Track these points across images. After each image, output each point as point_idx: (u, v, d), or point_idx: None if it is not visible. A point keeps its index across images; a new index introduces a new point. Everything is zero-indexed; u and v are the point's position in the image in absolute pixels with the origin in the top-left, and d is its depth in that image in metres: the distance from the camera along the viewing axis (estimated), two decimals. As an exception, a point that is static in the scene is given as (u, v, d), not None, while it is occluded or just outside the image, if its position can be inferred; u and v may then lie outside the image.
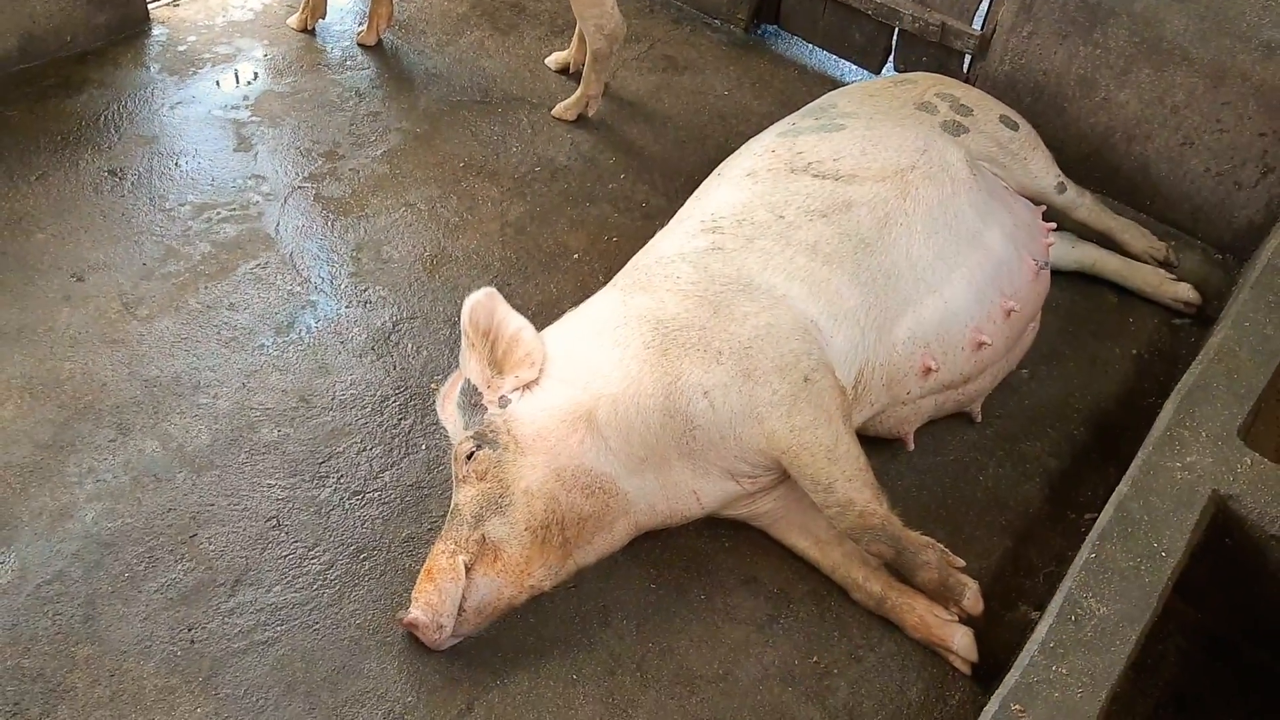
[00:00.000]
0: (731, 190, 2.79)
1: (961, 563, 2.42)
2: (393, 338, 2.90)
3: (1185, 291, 3.33)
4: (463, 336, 2.38)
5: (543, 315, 2.96)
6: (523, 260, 3.17)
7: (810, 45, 4.18)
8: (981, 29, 3.73)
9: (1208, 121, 3.43)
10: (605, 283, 2.83)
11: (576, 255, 3.22)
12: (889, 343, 2.62)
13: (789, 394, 2.37)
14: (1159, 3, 3.32)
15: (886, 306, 2.63)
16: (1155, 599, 2.20)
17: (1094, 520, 2.74)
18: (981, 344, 2.75)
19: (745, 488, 2.47)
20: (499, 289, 3.03)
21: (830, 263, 2.60)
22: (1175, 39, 3.35)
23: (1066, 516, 2.77)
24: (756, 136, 3.07)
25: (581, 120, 3.67)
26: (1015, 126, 3.22)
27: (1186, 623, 2.58)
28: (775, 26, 4.24)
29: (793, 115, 3.15)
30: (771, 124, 3.17)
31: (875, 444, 2.77)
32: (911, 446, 2.80)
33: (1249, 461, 2.50)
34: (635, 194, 3.46)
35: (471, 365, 2.38)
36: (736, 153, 3.02)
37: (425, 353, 2.87)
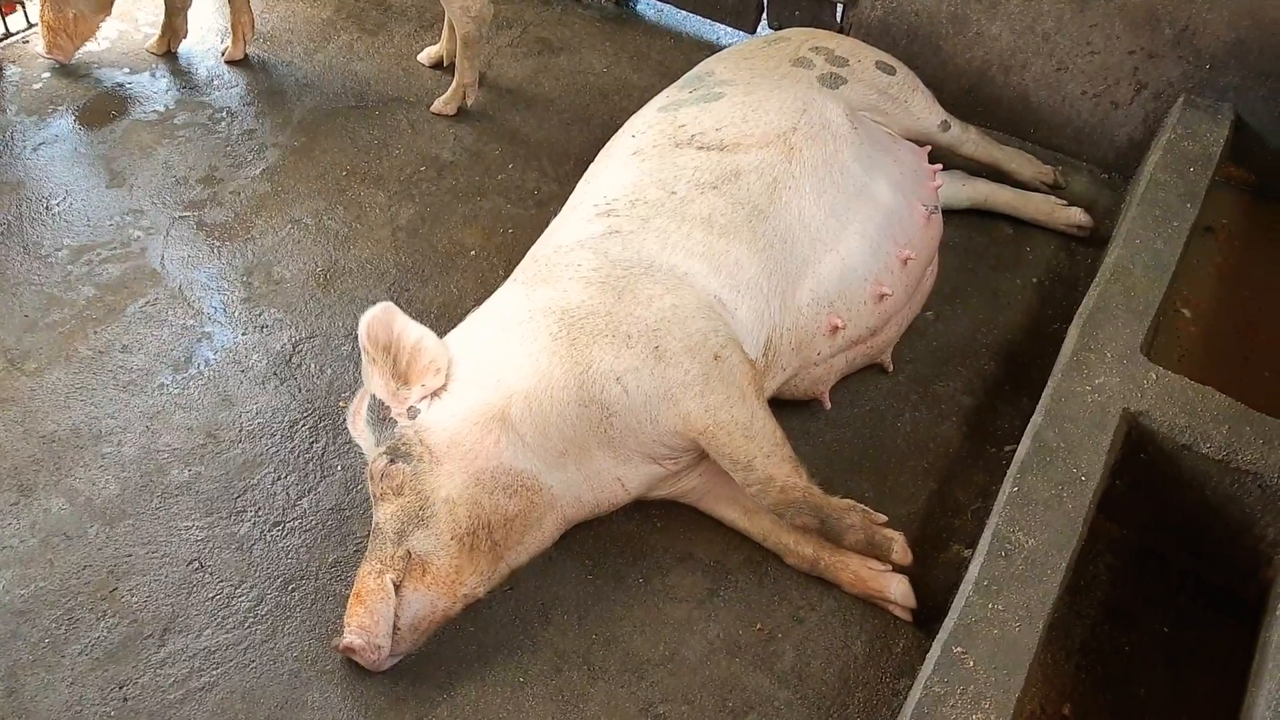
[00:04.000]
0: (621, 171, 2.77)
1: (883, 518, 2.43)
2: (294, 360, 2.83)
3: (1077, 215, 3.39)
4: (363, 354, 2.33)
5: (445, 317, 2.93)
6: (418, 264, 3.12)
7: (682, 12, 4.15)
8: (849, -23, 3.73)
9: (1078, 45, 3.48)
10: (505, 277, 2.80)
11: (473, 252, 3.17)
12: (793, 307, 2.63)
13: (700, 374, 2.36)
14: (1018, -67, 3.36)
15: (786, 271, 2.63)
16: (1080, 524, 2.25)
17: (1013, 452, 2.79)
18: (883, 295, 2.77)
19: (668, 469, 2.47)
20: (397, 296, 3.03)
21: (726, 234, 2.59)
22: (1038, -33, 3.39)
23: (987, 451, 2.81)
24: (638, 113, 3.05)
25: (462, 113, 3.61)
26: (892, 71, 3.23)
27: (1114, 540, 2.64)
28: (645, -3, 4.21)
29: (671, 88, 3.13)
30: (653, 97, 3.16)
31: (792, 406, 2.79)
32: (829, 405, 2.81)
33: (1154, 377, 2.55)
34: (525, 182, 3.41)
35: (375, 381, 2.34)
36: (620, 131, 2.99)
37: (329, 371, 2.81)
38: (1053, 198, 3.44)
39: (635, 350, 2.35)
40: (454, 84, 3.58)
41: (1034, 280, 3.28)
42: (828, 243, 2.71)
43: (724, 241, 2.58)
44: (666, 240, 2.55)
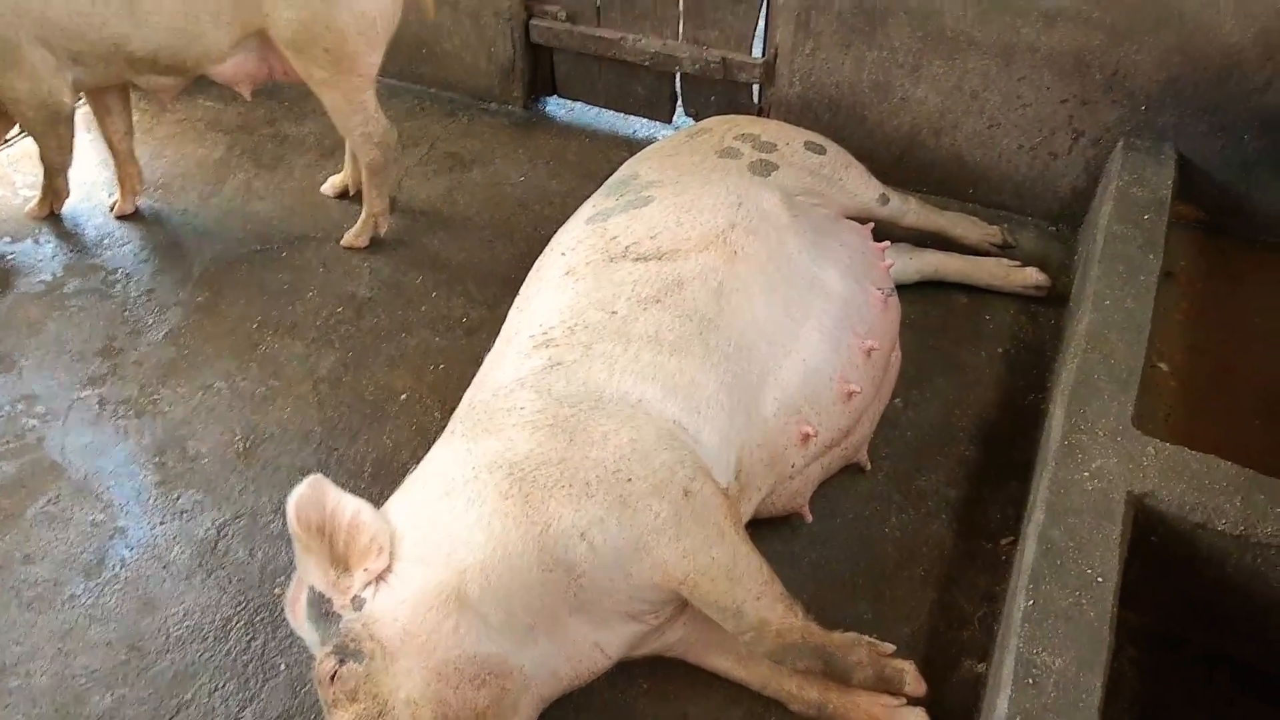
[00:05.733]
0: (554, 295, 2.56)
1: (890, 647, 2.22)
2: (220, 546, 2.56)
3: (1033, 275, 3.24)
4: (294, 542, 2.07)
5: (382, 476, 2.69)
6: (346, 417, 2.87)
7: (595, 109, 3.99)
8: (763, 56, 3.59)
9: (1008, 100, 3.36)
10: (442, 420, 2.57)
11: (404, 395, 2.93)
12: (760, 420, 2.42)
13: (672, 515, 2.13)
14: (931, -6, 3.24)
15: (747, 382, 2.43)
16: (1107, 634, 2.04)
17: (1011, 545, 2.61)
18: (851, 393, 2.57)
19: (650, 624, 2.22)
20: (325, 459, 2.77)
21: (677, 351, 2.38)
22: (957, 26, 3.27)
23: (983, 548, 2.61)
24: (565, 227, 2.85)
25: (376, 244, 3.39)
26: (822, 150, 3.08)
27: (1134, 630, 2.44)
28: (554, 97, 4.03)
29: (597, 195, 2.94)
30: (575, 202, 2.97)
31: (771, 525, 2.57)
32: (810, 518, 2.60)
33: (1152, 451, 2.37)
34: (452, 311, 3.19)
35: (312, 570, 2.07)
36: (548, 249, 2.78)
37: (261, 554, 2.54)
38: (1004, 260, 3.30)
39: (597, 499, 2.11)
40: (364, 214, 3.36)
41: (999, 350, 3.11)
42: (786, 345, 2.52)
43: (676, 359, 2.37)
44: (613, 366, 2.34)
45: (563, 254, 2.69)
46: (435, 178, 3.68)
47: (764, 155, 2.98)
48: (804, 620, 2.17)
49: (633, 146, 3.81)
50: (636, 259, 2.57)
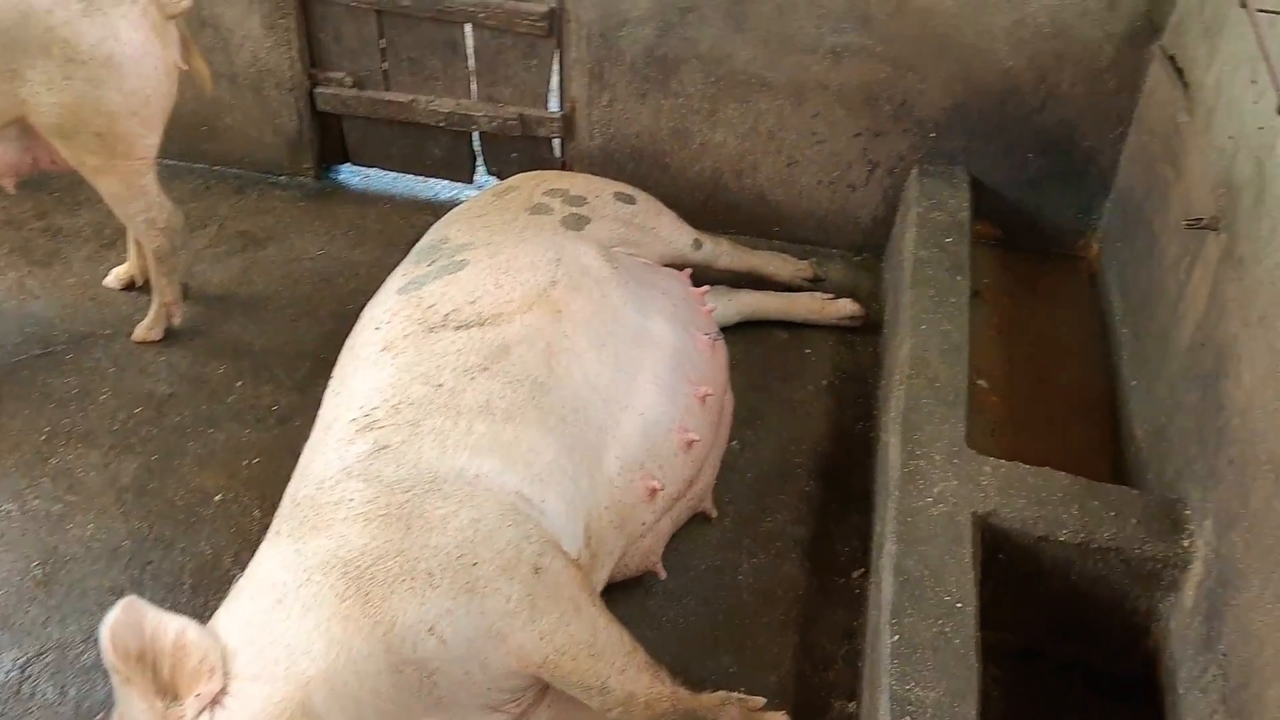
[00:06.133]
0: (373, 372, 2.42)
1: (761, 701, 2.18)
2: (25, 689, 2.30)
3: (847, 306, 3.30)
4: (111, 673, 1.87)
5: (204, 585, 2.51)
6: (157, 527, 2.64)
7: (391, 174, 3.86)
8: (561, 110, 3.55)
9: (804, 137, 3.41)
10: (263, 519, 2.42)
11: (219, 497, 2.73)
12: (604, 481, 2.35)
13: (524, 596, 2.03)
14: (721, 39, 3.27)
15: (587, 443, 2.36)
16: (974, 659, 2.06)
17: (863, 577, 2.61)
18: (692, 442, 2.54)
19: (512, 714, 2.11)
20: (139, 576, 2.54)
21: (511, 419, 2.29)
22: (749, 69, 3.31)
23: (835, 583, 2.61)
24: (375, 299, 2.72)
25: (171, 336, 3.16)
26: (632, 200, 3.07)
27: (990, 647, 2.45)
28: (347, 165, 3.88)
29: (406, 263, 2.82)
30: (381, 272, 2.86)
31: (625, 585, 2.51)
32: (663, 575, 2.54)
33: (989, 470, 2.42)
34: (261, 400, 3.00)
35: (135, 704, 1.87)
36: (360, 324, 2.65)
37: (74, 691, 2.30)
38: (818, 293, 3.34)
39: (443, 589, 1.99)
40: (154, 305, 3.13)
41: (824, 382, 3.14)
42: (622, 400, 2.47)
43: (510, 428, 2.28)
44: (445, 442, 2.22)
45: (377, 328, 2.56)
46: (228, 259, 3.47)
47: (575, 209, 2.93)
48: (671, 686, 2.10)
49: (436, 210, 3.69)
50: (458, 327, 2.47)
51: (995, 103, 3.26)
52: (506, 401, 2.31)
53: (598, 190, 3.05)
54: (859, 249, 3.60)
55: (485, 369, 2.37)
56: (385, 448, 2.23)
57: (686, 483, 2.55)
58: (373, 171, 3.88)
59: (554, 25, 3.36)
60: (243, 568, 2.48)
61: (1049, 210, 3.46)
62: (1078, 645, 2.45)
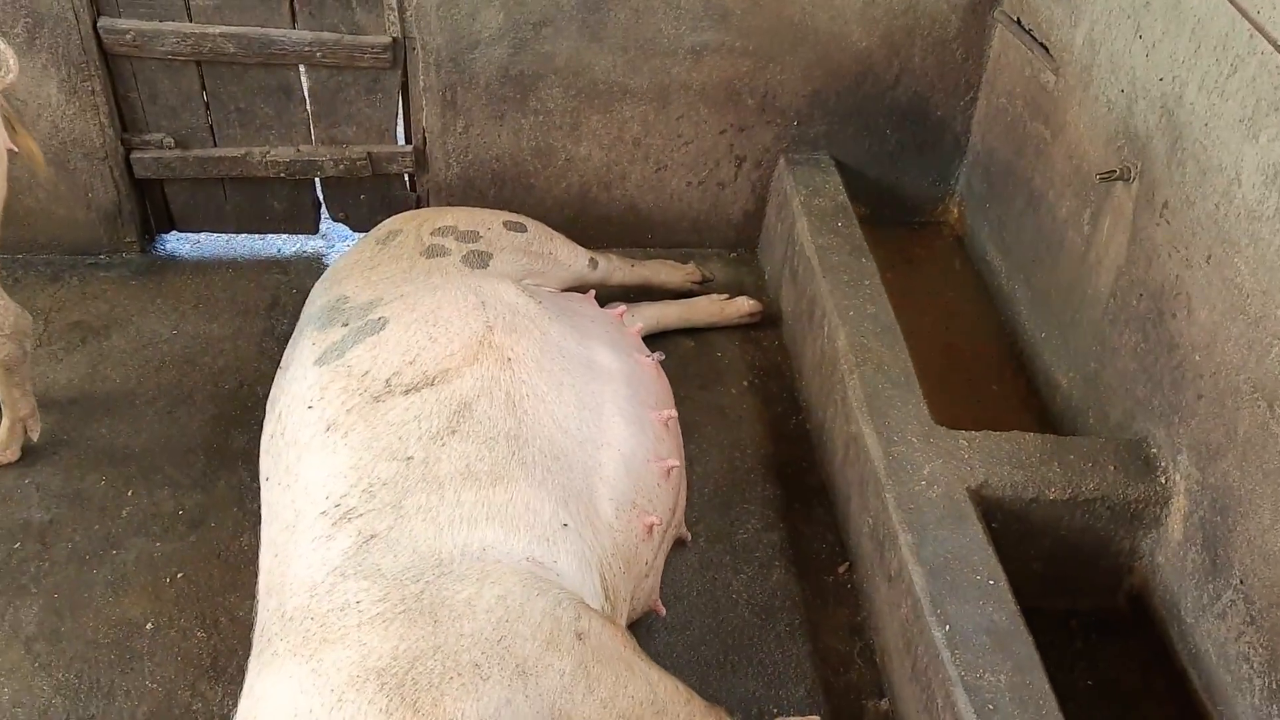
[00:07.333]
0: (325, 458, 2.20)
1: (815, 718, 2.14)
2: None
3: (745, 304, 3.28)
4: None
5: (177, 731, 2.20)
6: (88, 674, 2.30)
7: (225, 235, 3.54)
8: (411, 143, 3.36)
9: (670, 140, 3.37)
10: (209, 639, 2.31)
11: (149, 625, 2.41)
12: (605, 526, 2.24)
13: (576, 666, 1.89)
14: (578, 50, 3.17)
15: (577, 491, 2.23)
16: (1028, 636, 2.06)
17: (849, 570, 2.59)
18: (670, 469, 2.45)
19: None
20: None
21: (498, 480, 2.13)
22: (609, 78, 3.23)
23: (826, 582, 2.58)
24: (285, 378, 2.48)
25: (31, 454, 2.76)
26: (523, 228, 2.95)
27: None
28: (174, 233, 3.53)
29: (307, 331, 2.57)
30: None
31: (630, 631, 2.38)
32: (664, 612, 2.43)
33: (964, 443, 2.46)
34: (160, 506, 2.67)
35: None
36: (281, 407, 2.40)
37: None
38: (714, 295, 3.31)
39: (494, 679, 1.82)
40: (6, 422, 2.73)
41: (745, 384, 3.11)
42: (595, 439, 2.35)
43: (500, 490, 2.12)
44: (436, 519, 2.05)
45: (310, 407, 2.33)
46: (69, 356, 3.08)
47: (472, 246, 2.78)
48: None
49: (285, 267, 3.44)
50: (406, 391, 2.28)
51: (852, 84, 3.32)
52: (487, 463, 2.16)
53: (486, 222, 2.90)
54: (733, 245, 3.59)
55: (453, 431, 2.20)
56: (373, 537, 2.03)
57: (671, 511, 2.46)
58: (203, 236, 3.55)
59: (398, 55, 3.16)
60: (205, 701, 2.26)
61: (908, 182, 3.56)
62: (1068, 596, 2.52)
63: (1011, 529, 2.40)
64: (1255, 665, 2.07)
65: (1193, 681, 2.26)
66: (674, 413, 2.58)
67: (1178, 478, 2.34)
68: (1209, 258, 2.23)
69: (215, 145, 3.31)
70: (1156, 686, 2.36)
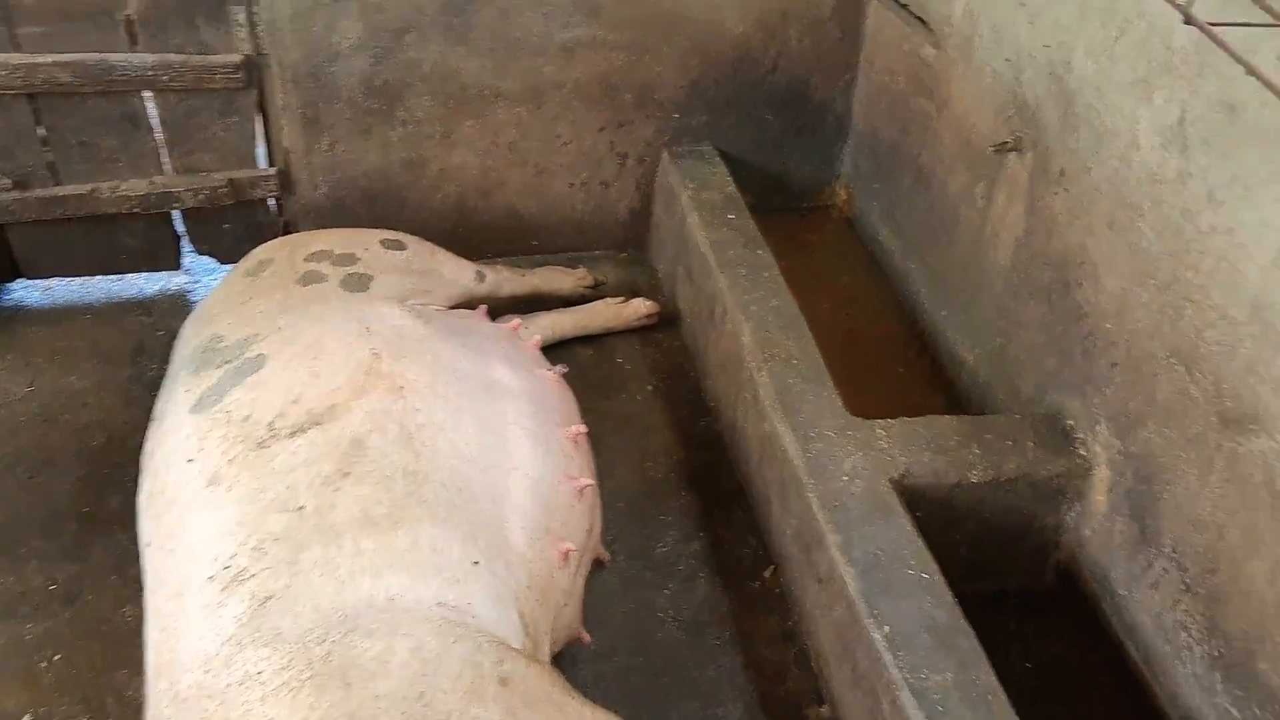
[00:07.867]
0: (208, 515, 2.02)
1: None
2: None
3: (642, 306, 3.17)
4: None
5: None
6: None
7: (77, 279, 3.29)
8: (275, 165, 3.16)
9: (548, 142, 3.24)
10: None
11: (28, 716, 2.19)
12: (517, 558, 2.09)
13: (504, 714, 1.76)
14: (445, 55, 3.02)
15: (485, 522, 2.09)
16: (966, 626, 2.00)
17: (775, 574, 2.51)
18: (582, 488, 2.32)
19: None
20: None
21: (398, 523, 1.98)
22: (479, 81, 3.08)
23: (752, 588, 2.49)
24: (159, 430, 2.28)
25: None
26: (402, 245, 2.80)
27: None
28: (19, 280, 3.27)
29: (177, 375, 2.38)
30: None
31: (554, 662, 2.25)
32: (589, 639, 2.31)
33: (881, 432, 2.39)
34: (29, 581, 2.42)
35: None
36: (156, 463, 2.20)
37: None
38: (609, 299, 3.19)
39: (415, 738, 1.69)
40: None
41: (649, 389, 3.00)
42: (501, 464, 2.21)
43: (402, 533, 1.97)
44: (336, 572, 1.89)
45: (190, 460, 2.14)
46: (-90, 426, 2.82)
47: (349, 269, 2.62)
48: None
49: (149, 308, 3.22)
50: (291, 434, 2.11)
51: (730, 72, 3.24)
52: (385, 505, 2.00)
53: (363, 243, 2.74)
54: (621, 245, 3.49)
55: (345, 474, 2.04)
56: (269, 599, 1.86)
57: (588, 533, 2.33)
58: (54, 282, 3.30)
59: (252, 74, 2.97)
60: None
61: (793, 167, 3.49)
62: (995, 578, 2.48)
63: (935, 516, 2.33)
64: (1194, 633, 2.04)
65: (1131, 654, 2.23)
66: (583, 428, 2.46)
67: (1098, 449, 2.31)
68: (1111, 224, 2.19)
69: (58, 184, 3.07)
70: (1093, 660, 2.33)
